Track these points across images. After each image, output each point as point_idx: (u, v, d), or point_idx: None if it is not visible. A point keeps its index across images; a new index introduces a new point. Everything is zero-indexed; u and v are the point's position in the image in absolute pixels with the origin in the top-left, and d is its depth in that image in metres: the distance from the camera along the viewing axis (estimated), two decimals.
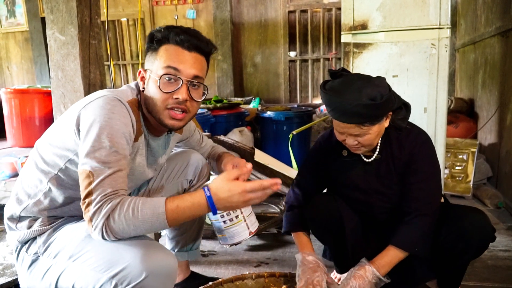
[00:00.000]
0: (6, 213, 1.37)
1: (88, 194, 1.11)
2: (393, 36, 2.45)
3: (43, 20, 6.29)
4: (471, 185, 3.23)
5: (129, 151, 1.24)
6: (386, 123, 1.48)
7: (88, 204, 1.11)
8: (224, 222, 1.36)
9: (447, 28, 2.36)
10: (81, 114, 1.21)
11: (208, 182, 1.55)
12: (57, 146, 1.27)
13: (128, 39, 6.76)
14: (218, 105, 4.14)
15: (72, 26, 2.08)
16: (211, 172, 1.83)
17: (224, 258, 2.22)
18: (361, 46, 2.52)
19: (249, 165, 1.36)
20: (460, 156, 3.32)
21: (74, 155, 1.24)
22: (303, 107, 4.64)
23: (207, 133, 2.97)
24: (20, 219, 1.34)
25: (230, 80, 6.08)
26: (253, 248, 2.34)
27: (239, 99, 5.54)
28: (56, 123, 1.34)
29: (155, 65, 1.30)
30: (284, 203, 2.51)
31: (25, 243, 1.33)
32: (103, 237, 1.11)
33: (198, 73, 1.32)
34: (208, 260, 2.19)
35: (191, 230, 1.81)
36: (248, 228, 1.39)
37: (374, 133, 1.44)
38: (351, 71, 2.13)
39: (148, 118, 1.38)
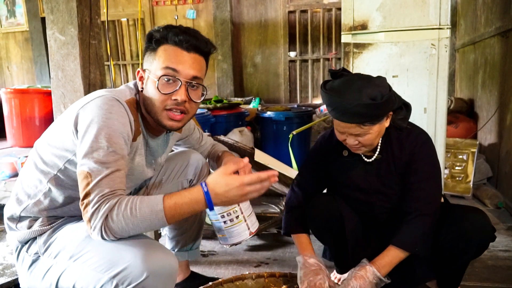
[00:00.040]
0: (6, 213, 1.37)
1: (86, 195, 1.11)
2: (393, 36, 2.45)
3: (43, 20, 6.29)
4: (471, 185, 3.23)
5: (127, 151, 1.23)
6: (386, 123, 1.48)
7: (86, 205, 1.11)
8: (225, 222, 1.36)
9: (447, 28, 2.36)
10: (79, 115, 1.21)
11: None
12: (55, 146, 1.27)
13: (128, 39, 6.76)
14: (218, 105, 4.14)
15: (72, 26, 2.08)
16: (211, 171, 1.83)
17: (224, 258, 2.22)
18: (361, 46, 2.52)
19: (246, 160, 1.36)
20: (460, 156, 3.32)
21: (72, 156, 1.24)
22: (303, 107, 4.64)
23: (207, 133, 2.97)
24: (20, 219, 1.34)
25: (230, 80, 6.08)
26: (253, 248, 2.34)
27: (239, 99, 5.54)
28: (55, 123, 1.34)
29: (154, 66, 1.29)
30: (284, 203, 2.51)
31: (25, 243, 1.33)
32: (102, 238, 1.11)
33: (197, 74, 1.31)
34: (208, 260, 2.20)
35: (191, 230, 1.81)
36: (249, 228, 1.39)
37: (374, 132, 1.44)
38: (351, 71, 2.13)
39: (146, 118, 1.37)
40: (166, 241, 1.88)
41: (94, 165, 1.13)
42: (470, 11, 4.31)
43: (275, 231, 2.44)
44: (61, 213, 1.34)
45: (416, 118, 2.28)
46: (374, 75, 1.48)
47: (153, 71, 1.29)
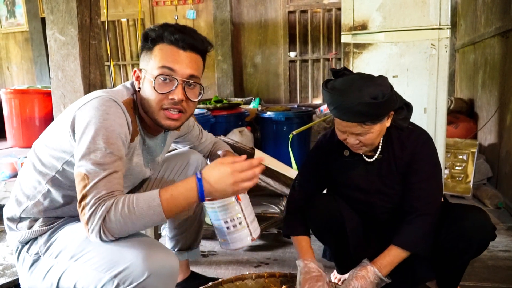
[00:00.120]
0: (6, 214, 1.36)
1: (83, 197, 1.11)
2: (393, 37, 2.45)
3: (43, 20, 6.29)
4: (471, 186, 3.23)
5: (125, 152, 1.23)
6: (387, 122, 1.48)
7: (84, 207, 1.10)
8: (228, 228, 1.34)
9: (447, 28, 2.36)
10: (76, 116, 1.21)
11: None
12: (53, 148, 1.26)
13: (128, 40, 6.76)
14: (218, 105, 4.13)
15: (72, 26, 2.08)
16: None
17: (224, 258, 2.22)
18: (361, 47, 2.52)
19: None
20: (460, 157, 3.32)
21: (70, 157, 1.23)
22: (303, 108, 4.64)
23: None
24: (20, 219, 1.33)
25: (230, 81, 6.07)
26: (253, 248, 2.34)
27: (239, 99, 5.54)
28: (53, 124, 1.33)
29: (150, 65, 1.29)
30: (284, 203, 2.51)
31: (26, 243, 1.33)
32: (101, 239, 1.11)
33: (193, 73, 1.30)
34: (208, 260, 2.20)
35: (191, 230, 1.81)
36: (251, 234, 1.38)
37: (375, 132, 1.44)
38: None
39: (144, 118, 1.37)
40: (166, 241, 1.88)
41: (91, 166, 1.12)
42: (470, 11, 4.31)
43: (275, 231, 2.44)
44: (61, 213, 1.34)
45: (416, 118, 2.29)
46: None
47: (150, 71, 1.28)
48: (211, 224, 1.41)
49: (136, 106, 1.36)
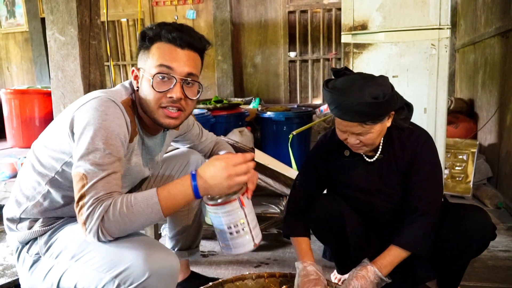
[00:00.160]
0: (6, 214, 1.36)
1: (81, 197, 1.10)
2: (393, 37, 2.45)
3: (43, 20, 6.29)
4: (471, 186, 3.23)
5: (124, 153, 1.23)
6: (388, 122, 1.48)
7: (81, 207, 1.09)
8: (231, 233, 1.33)
9: (447, 28, 2.36)
10: (74, 117, 1.20)
11: None
12: (52, 149, 1.26)
13: (128, 40, 6.76)
14: (218, 105, 4.13)
15: (72, 26, 2.09)
16: None
17: (224, 258, 2.22)
18: (361, 47, 2.52)
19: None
20: (460, 157, 3.32)
21: (69, 158, 1.23)
22: (303, 108, 4.64)
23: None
24: (20, 220, 1.33)
25: (230, 81, 6.07)
26: None
27: (239, 99, 5.54)
28: (51, 125, 1.33)
29: (148, 64, 1.28)
30: (284, 203, 2.51)
31: (26, 243, 1.32)
32: (98, 239, 1.10)
33: (192, 71, 1.29)
34: (208, 261, 2.19)
35: (190, 229, 1.81)
36: (253, 240, 1.38)
37: (376, 132, 1.44)
38: None
39: (143, 117, 1.36)
40: (166, 240, 1.88)
41: (90, 167, 1.12)
42: (470, 11, 4.31)
43: (275, 231, 2.44)
44: (61, 214, 1.34)
45: (416, 118, 2.28)
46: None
47: (148, 70, 1.28)
48: (214, 229, 1.41)
49: (135, 105, 1.35)
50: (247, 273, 1.67)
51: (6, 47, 7.30)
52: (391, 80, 1.48)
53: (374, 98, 1.36)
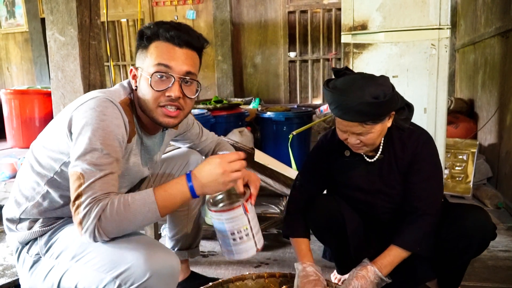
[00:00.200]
0: (5, 215, 1.36)
1: (78, 196, 1.09)
2: (393, 37, 2.45)
3: (43, 20, 6.30)
4: (471, 186, 3.23)
5: (121, 154, 1.22)
6: (388, 123, 1.48)
7: (78, 207, 1.09)
8: (234, 239, 1.33)
9: (447, 28, 2.36)
10: (73, 117, 1.20)
11: None
12: (51, 149, 1.26)
13: (128, 40, 6.76)
14: (218, 105, 4.13)
15: (72, 26, 2.09)
16: None
17: (224, 258, 2.20)
18: (361, 47, 2.52)
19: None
20: (460, 157, 3.32)
21: (68, 158, 1.22)
22: (303, 108, 4.64)
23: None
24: (20, 220, 1.33)
25: (230, 81, 6.08)
26: None
27: (239, 99, 5.54)
28: (50, 125, 1.32)
29: (146, 63, 1.28)
30: (284, 203, 2.51)
31: (26, 244, 1.32)
32: (94, 239, 1.09)
33: (190, 69, 1.29)
34: (208, 261, 2.19)
35: (190, 229, 1.81)
36: (256, 245, 1.37)
37: (376, 132, 1.44)
38: None
39: (142, 117, 1.36)
40: (166, 240, 1.88)
41: (87, 166, 1.11)
42: (470, 11, 4.31)
43: (275, 232, 2.44)
44: (61, 214, 1.33)
45: (416, 118, 2.28)
46: None
47: (146, 69, 1.27)
48: (216, 234, 1.40)
49: (134, 105, 1.35)
50: (247, 273, 1.67)
51: (6, 48, 7.31)
52: (391, 80, 1.48)
53: (375, 98, 1.36)
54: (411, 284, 1.62)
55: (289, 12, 6.15)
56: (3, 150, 3.45)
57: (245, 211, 1.31)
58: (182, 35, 1.27)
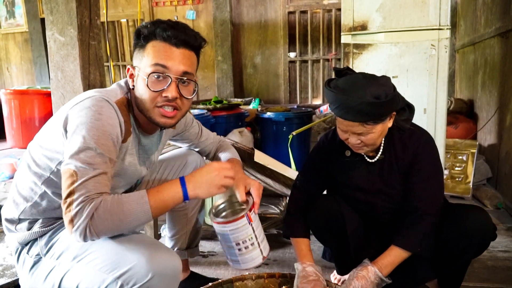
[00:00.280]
0: (4, 215, 1.36)
1: (70, 194, 1.08)
2: (393, 37, 2.45)
3: (42, 21, 6.30)
4: (471, 186, 3.23)
5: (116, 154, 1.22)
6: (389, 123, 1.48)
7: (70, 204, 1.07)
8: (239, 249, 1.32)
9: (447, 29, 2.36)
10: (68, 115, 1.20)
11: None
12: (47, 148, 1.25)
13: (128, 40, 6.76)
14: (218, 106, 4.13)
15: (72, 27, 2.09)
16: None
17: (224, 259, 2.21)
18: (360, 47, 2.52)
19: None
20: (460, 157, 3.32)
21: (64, 157, 1.23)
22: (303, 108, 4.64)
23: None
24: (19, 221, 1.33)
25: (230, 81, 6.07)
26: None
27: (239, 99, 5.54)
28: (46, 125, 1.32)
29: (143, 63, 1.27)
30: (283, 203, 2.51)
31: (26, 244, 1.32)
32: (84, 238, 1.07)
33: (187, 69, 1.28)
34: (208, 261, 2.19)
35: (190, 229, 1.81)
36: (262, 254, 1.36)
37: (377, 132, 1.44)
38: None
39: (139, 116, 1.35)
40: (165, 240, 1.88)
41: (81, 164, 1.10)
42: (470, 12, 4.31)
43: (275, 232, 2.44)
44: (60, 214, 1.32)
45: (416, 118, 2.27)
46: None
47: (143, 68, 1.27)
48: (211, 224, 1.40)
49: (131, 104, 1.34)
50: (247, 273, 1.67)
51: (5, 48, 7.31)
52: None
53: (376, 98, 1.36)
54: (411, 285, 1.62)
55: (289, 13, 6.15)
56: (3, 150, 3.45)
57: (249, 220, 1.30)
58: (179, 35, 1.26)
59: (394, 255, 1.48)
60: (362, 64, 2.52)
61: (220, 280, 1.63)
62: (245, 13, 6.25)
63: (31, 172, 1.28)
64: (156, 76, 1.25)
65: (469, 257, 1.52)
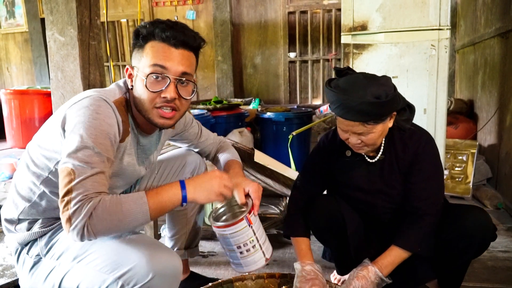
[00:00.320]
0: (3, 215, 1.35)
1: (68, 192, 1.07)
2: (393, 37, 2.45)
3: (42, 21, 6.30)
4: (471, 186, 3.23)
5: (113, 153, 1.21)
6: (390, 123, 1.48)
7: (68, 202, 1.06)
8: (241, 252, 1.31)
9: (447, 29, 2.36)
10: (66, 115, 1.19)
11: None
12: (45, 148, 1.25)
13: (128, 40, 6.76)
14: (218, 106, 4.13)
15: (72, 27, 2.09)
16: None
17: (224, 259, 2.22)
18: (360, 47, 2.52)
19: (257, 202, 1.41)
20: (460, 157, 3.32)
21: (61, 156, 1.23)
22: (303, 108, 4.64)
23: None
24: (18, 221, 1.32)
25: (230, 81, 6.07)
26: None
27: (239, 100, 5.54)
28: (45, 125, 1.31)
29: (142, 63, 1.26)
30: (283, 203, 2.51)
31: (26, 245, 1.32)
32: (81, 238, 1.06)
33: (186, 70, 1.27)
34: (208, 261, 2.19)
35: (190, 229, 1.81)
36: (264, 256, 1.36)
37: (377, 132, 1.44)
38: None
39: (138, 116, 1.35)
40: (165, 240, 1.88)
41: (78, 163, 1.10)
42: (470, 12, 4.31)
43: (275, 232, 2.44)
44: (59, 214, 1.33)
45: (416, 118, 2.27)
46: None
47: (141, 69, 1.26)
48: (210, 224, 1.40)
49: (129, 104, 1.33)
50: (247, 273, 1.67)
51: (5, 48, 7.31)
52: None
53: (377, 97, 1.36)
54: (411, 285, 1.62)
55: (289, 13, 6.15)
56: (3, 150, 3.45)
57: (249, 223, 1.29)
58: (178, 35, 1.25)
59: (394, 255, 1.48)
60: (362, 64, 2.52)
61: (220, 280, 1.63)
62: (245, 13, 6.26)
63: (30, 172, 1.28)
64: (154, 77, 1.25)
65: (469, 257, 1.52)
